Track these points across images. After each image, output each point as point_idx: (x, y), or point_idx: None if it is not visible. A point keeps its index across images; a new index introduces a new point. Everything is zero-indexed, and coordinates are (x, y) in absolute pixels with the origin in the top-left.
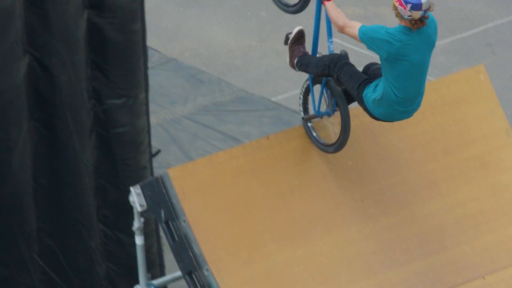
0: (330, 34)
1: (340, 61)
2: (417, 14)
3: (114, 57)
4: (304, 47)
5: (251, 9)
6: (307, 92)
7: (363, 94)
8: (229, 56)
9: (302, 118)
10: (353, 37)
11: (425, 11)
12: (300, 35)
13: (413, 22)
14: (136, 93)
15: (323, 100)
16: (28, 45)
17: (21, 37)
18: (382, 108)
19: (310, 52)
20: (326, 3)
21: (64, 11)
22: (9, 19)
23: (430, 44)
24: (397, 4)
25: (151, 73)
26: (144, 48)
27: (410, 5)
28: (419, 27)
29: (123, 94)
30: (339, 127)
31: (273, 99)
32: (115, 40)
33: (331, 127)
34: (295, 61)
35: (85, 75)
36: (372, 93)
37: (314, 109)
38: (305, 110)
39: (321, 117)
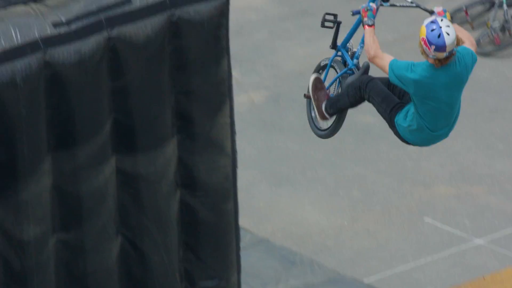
0: (363, 41)
1: (370, 81)
2: (441, 55)
3: (206, 238)
4: (326, 91)
5: (343, 188)
6: (320, 70)
7: (395, 120)
8: (321, 236)
9: (304, 94)
10: (381, 68)
11: (450, 51)
12: (317, 82)
13: (438, 61)
14: (228, 274)
15: (332, 86)
16: (121, 225)
17: (113, 216)
18: (414, 135)
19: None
20: (367, 28)
21: (156, 191)
22: (102, 199)
23: (459, 81)
24: (422, 43)
25: (243, 254)
26: (236, 228)
27: (434, 46)
28: (446, 65)
29: (215, 276)
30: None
31: (365, 280)
32: (207, 220)
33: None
34: (323, 106)
35: (177, 256)
36: (403, 120)
37: None
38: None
39: None
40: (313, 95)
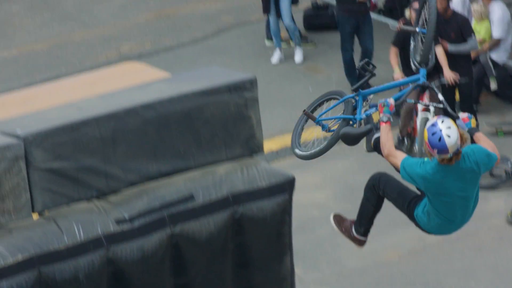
0: (376, 107)
1: (382, 177)
2: (446, 156)
3: None
4: (348, 220)
5: None
6: (329, 100)
7: (414, 214)
8: None
9: (304, 110)
10: (394, 166)
11: (455, 151)
12: (338, 218)
13: (444, 160)
14: None
15: (330, 121)
16: None
17: None
18: (435, 227)
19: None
20: (382, 124)
21: None
22: None
23: (470, 177)
24: (426, 146)
25: None
26: None
27: (436, 150)
28: (453, 164)
29: None
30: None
31: None
32: None
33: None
34: (354, 233)
35: None
36: (422, 214)
37: (320, 115)
38: (313, 109)
39: (317, 124)
40: (340, 230)
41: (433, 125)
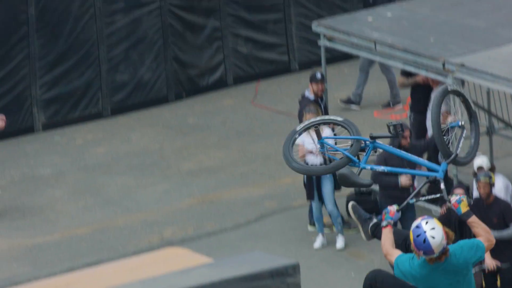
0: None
1: (378, 276)
2: (432, 256)
3: None
4: None
5: None
6: (343, 127)
7: None
8: None
9: (315, 126)
10: (390, 264)
11: (441, 251)
12: None
13: (433, 260)
14: None
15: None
16: None
17: None
18: None
19: None
20: (383, 229)
21: None
22: None
23: (458, 272)
24: (412, 247)
25: None
26: None
27: (422, 251)
28: (442, 261)
29: None
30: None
31: None
32: None
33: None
34: None
35: None
36: None
37: (326, 137)
38: (323, 122)
39: (318, 143)
40: None
41: (417, 226)
